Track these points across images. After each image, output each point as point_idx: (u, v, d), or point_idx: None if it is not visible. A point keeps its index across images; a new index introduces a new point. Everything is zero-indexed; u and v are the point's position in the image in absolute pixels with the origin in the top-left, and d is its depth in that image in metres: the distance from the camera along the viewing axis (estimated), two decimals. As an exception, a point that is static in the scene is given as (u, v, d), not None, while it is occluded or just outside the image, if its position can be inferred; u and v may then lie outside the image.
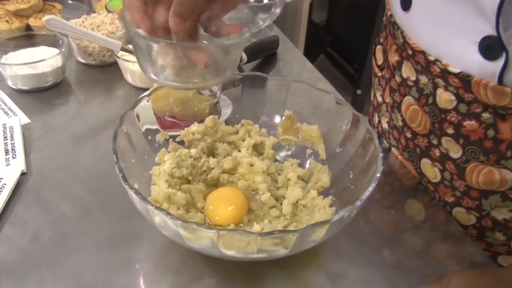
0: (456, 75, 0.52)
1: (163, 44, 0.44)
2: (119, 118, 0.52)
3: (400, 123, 0.64)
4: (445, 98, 0.55)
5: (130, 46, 0.82)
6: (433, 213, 0.62)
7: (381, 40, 0.71)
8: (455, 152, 0.57)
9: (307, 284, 0.51)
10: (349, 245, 0.56)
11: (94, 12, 0.97)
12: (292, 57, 0.99)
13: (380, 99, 0.70)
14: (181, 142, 0.61)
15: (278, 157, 0.63)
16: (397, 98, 0.64)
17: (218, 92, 0.67)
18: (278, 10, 0.47)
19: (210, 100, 0.67)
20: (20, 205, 0.59)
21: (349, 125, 0.57)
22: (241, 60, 0.86)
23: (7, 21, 0.91)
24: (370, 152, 0.52)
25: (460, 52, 0.51)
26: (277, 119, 0.63)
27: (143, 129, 0.58)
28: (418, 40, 0.56)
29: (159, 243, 0.54)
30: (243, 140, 0.62)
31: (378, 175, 0.46)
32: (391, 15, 0.64)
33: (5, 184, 0.60)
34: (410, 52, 0.58)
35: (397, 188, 0.65)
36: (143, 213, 0.46)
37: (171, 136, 0.60)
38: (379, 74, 0.70)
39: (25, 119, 0.72)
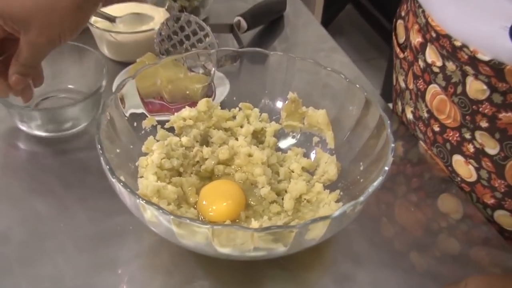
0: (486, 63, 0.60)
1: None
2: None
3: (426, 114, 0.72)
4: (476, 87, 0.63)
5: (107, 11, 0.92)
6: (472, 210, 0.70)
7: (402, 14, 0.78)
8: (492, 147, 0.65)
9: (310, 287, 0.61)
10: (361, 244, 0.66)
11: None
12: (303, 21, 1.07)
13: (403, 84, 0.78)
14: (171, 129, 0.70)
15: (280, 146, 0.73)
16: (421, 86, 0.72)
17: (213, 69, 0.77)
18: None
19: (203, 80, 0.77)
20: (-17, 202, 0.69)
21: (361, 109, 0.66)
22: (239, 28, 0.95)
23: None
24: (383, 141, 0.61)
25: (489, 38, 0.58)
26: (280, 102, 0.73)
27: (127, 114, 0.67)
28: (442, 23, 0.64)
29: (147, 242, 0.65)
30: (241, 127, 0.72)
31: (386, 168, 0.56)
32: None
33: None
34: (434, 35, 0.66)
35: (428, 180, 0.75)
36: (132, 208, 0.56)
37: (159, 122, 0.70)
38: (401, 55, 0.78)
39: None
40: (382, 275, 0.63)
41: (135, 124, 0.68)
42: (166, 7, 0.93)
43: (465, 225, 0.69)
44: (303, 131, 0.73)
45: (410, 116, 0.78)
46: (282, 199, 0.65)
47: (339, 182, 0.66)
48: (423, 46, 0.70)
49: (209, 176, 0.69)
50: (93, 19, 0.91)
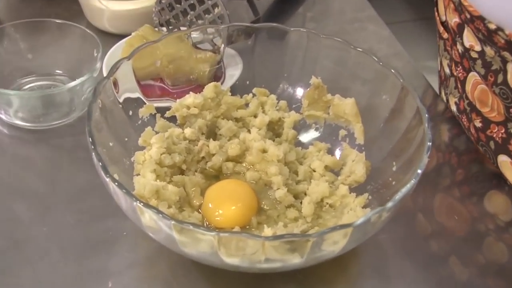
0: None
1: None
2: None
3: (467, 107, 0.79)
4: None
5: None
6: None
7: None
8: None
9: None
10: (394, 255, 0.73)
11: None
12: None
13: (447, 70, 0.84)
14: (172, 119, 0.77)
15: (301, 139, 0.80)
16: (460, 74, 0.78)
17: (222, 46, 0.84)
18: None
19: (211, 59, 0.84)
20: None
21: (396, 98, 0.73)
22: (255, -6, 1.02)
23: None
24: (419, 138, 0.68)
25: None
26: (301, 88, 0.81)
27: (121, 99, 0.74)
28: (473, 2, 0.70)
29: (144, 249, 0.72)
30: (255, 117, 0.79)
31: (419, 171, 0.62)
32: None
33: None
34: (468, 16, 0.72)
35: (475, 173, 0.81)
36: (127, 211, 0.63)
37: (158, 111, 0.77)
38: (445, 35, 0.84)
39: None
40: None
41: (130, 112, 0.75)
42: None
43: None
44: (328, 122, 0.79)
45: (454, 108, 0.85)
46: (301, 203, 0.71)
47: (367, 185, 0.73)
48: (460, 28, 0.76)
49: (216, 175, 0.75)
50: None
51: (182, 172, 0.74)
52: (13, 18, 0.98)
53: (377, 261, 0.73)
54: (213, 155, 0.75)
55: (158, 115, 0.77)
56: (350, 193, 0.72)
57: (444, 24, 0.85)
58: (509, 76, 0.71)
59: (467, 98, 0.79)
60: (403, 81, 0.72)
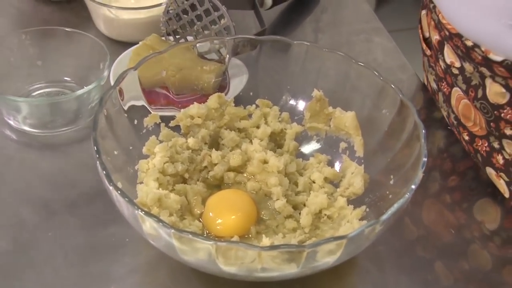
0: (500, 63, 0.69)
1: None
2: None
3: (455, 121, 0.82)
4: (495, 90, 0.72)
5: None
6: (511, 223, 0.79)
7: (425, 3, 0.87)
8: None
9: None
10: (390, 268, 0.76)
11: None
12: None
13: (434, 85, 0.88)
14: (176, 128, 0.81)
15: (303, 151, 0.83)
16: (446, 89, 0.81)
17: (227, 56, 0.87)
18: None
19: (217, 70, 0.87)
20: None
21: (394, 113, 0.75)
22: (262, 4, 1.04)
23: None
24: (416, 153, 0.70)
25: (496, 36, 0.68)
26: (303, 101, 0.83)
27: (126, 108, 0.77)
28: (451, 20, 0.74)
29: (145, 256, 0.75)
30: (257, 127, 0.82)
31: (413, 186, 0.65)
32: None
33: None
34: (447, 33, 0.75)
35: (469, 180, 0.84)
36: (130, 219, 0.66)
37: (163, 120, 0.80)
38: (427, 52, 0.88)
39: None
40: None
41: (135, 121, 0.78)
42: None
43: (499, 238, 0.78)
44: (329, 135, 0.82)
45: (447, 120, 0.88)
46: (300, 213, 0.74)
47: (365, 197, 0.76)
48: (441, 45, 0.80)
49: (217, 185, 0.79)
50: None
51: (184, 181, 0.77)
52: (25, 23, 1.03)
53: (373, 273, 0.76)
54: (215, 164, 0.78)
55: (162, 125, 0.80)
56: (348, 205, 0.75)
57: (428, 40, 0.88)
58: (487, 91, 0.74)
59: (453, 112, 0.83)
60: (402, 96, 0.75)
